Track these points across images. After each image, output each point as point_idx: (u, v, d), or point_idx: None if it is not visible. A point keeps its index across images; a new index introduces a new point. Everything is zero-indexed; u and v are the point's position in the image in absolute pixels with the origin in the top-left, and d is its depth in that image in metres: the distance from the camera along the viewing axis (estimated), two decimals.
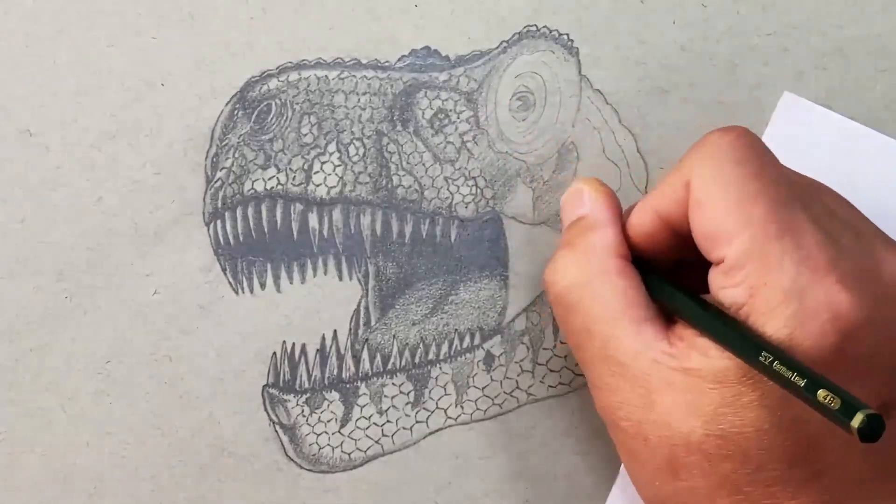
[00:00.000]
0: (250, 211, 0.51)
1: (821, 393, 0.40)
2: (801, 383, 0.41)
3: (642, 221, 0.48)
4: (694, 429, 0.44)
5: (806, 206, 0.45)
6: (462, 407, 0.53)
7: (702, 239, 0.45)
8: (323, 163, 0.51)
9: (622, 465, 0.54)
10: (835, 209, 0.47)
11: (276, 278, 0.52)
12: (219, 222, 0.51)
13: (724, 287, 0.44)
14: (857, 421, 0.39)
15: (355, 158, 0.51)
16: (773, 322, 0.43)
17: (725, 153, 0.45)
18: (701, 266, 0.46)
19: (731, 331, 0.43)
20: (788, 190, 0.45)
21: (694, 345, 0.44)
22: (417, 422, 0.53)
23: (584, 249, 0.48)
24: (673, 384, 0.44)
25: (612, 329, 0.46)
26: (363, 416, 0.53)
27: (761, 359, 0.42)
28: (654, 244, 0.48)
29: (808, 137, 0.53)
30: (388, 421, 0.53)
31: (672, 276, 0.48)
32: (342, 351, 0.52)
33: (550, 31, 0.53)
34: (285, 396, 0.52)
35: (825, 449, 0.44)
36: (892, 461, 0.46)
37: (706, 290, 0.46)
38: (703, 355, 0.44)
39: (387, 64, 0.52)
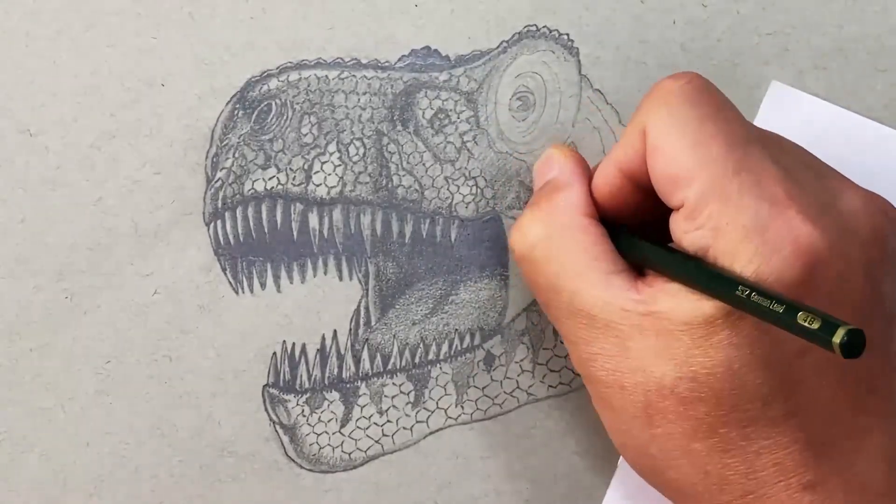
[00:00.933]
0: (250, 211, 0.51)
1: (800, 315, 0.40)
2: (780, 310, 0.41)
3: (606, 179, 0.48)
4: (666, 373, 0.44)
5: (764, 145, 0.45)
6: (462, 407, 0.53)
7: (661, 185, 0.45)
8: (323, 163, 0.51)
9: (619, 463, 0.54)
10: (791, 150, 0.47)
11: (276, 278, 0.52)
12: (219, 222, 0.51)
13: (688, 231, 0.44)
14: (838, 336, 0.39)
15: (355, 158, 0.51)
16: (738, 260, 0.43)
17: (678, 97, 0.45)
18: (666, 222, 0.46)
19: (703, 270, 0.43)
20: (744, 129, 0.45)
21: (662, 289, 0.44)
22: (417, 422, 0.53)
23: (548, 208, 0.48)
24: (644, 330, 0.44)
25: (578, 282, 0.46)
26: (363, 416, 0.53)
27: (738, 293, 0.42)
28: (620, 201, 0.48)
29: (796, 126, 0.53)
30: (388, 421, 0.53)
31: (640, 234, 0.48)
32: (342, 351, 0.52)
33: (550, 31, 0.53)
34: (285, 396, 0.52)
35: (798, 386, 0.44)
36: (864, 396, 0.46)
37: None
38: (672, 298, 0.44)
39: (387, 64, 0.52)
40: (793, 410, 0.44)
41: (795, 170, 0.45)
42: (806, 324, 0.40)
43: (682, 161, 0.44)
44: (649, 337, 0.44)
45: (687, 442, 0.45)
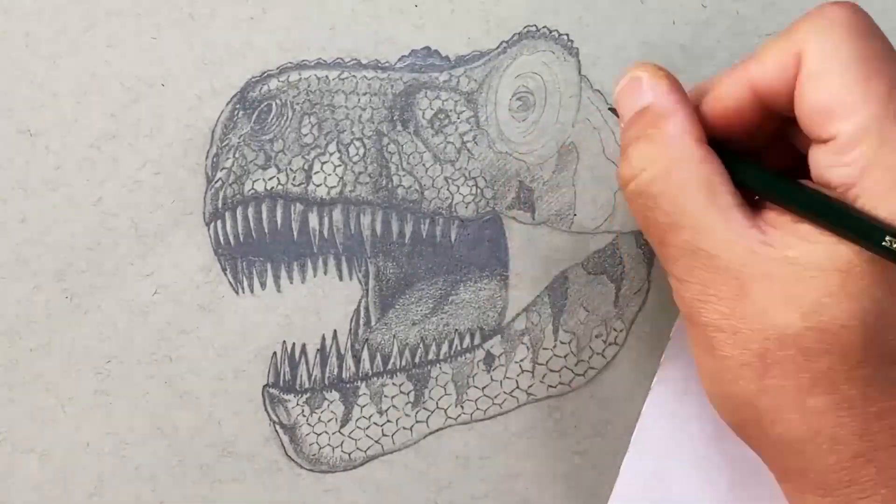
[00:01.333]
0: (250, 211, 0.51)
1: None
2: None
3: (732, 95, 0.45)
4: (792, 321, 0.42)
5: None
6: (462, 407, 0.53)
7: (811, 114, 0.43)
8: (323, 163, 0.51)
9: (623, 464, 0.54)
10: None
11: (276, 278, 0.52)
12: (219, 222, 0.51)
13: (833, 166, 0.42)
14: None
15: (355, 158, 0.51)
16: (885, 205, 0.41)
17: (846, 27, 0.43)
18: (773, 152, 0.44)
19: (845, 213, 0.41)
20: None
21: (793, 231, 0.42)
22: (417, 422, 0.53)
23: (660, 139, 0.45)
24: (770, 274, 0.42)
25: (700, 220, 0.43)
26: (363, 416, 0.53)
27: (885, 242, 0.40)
28: (738, 122, 0.45)
29: None
30: (388, 421, 0.53)
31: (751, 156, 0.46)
32: (342, 351, 0.52)
33: (550, 31, 0.53)
34: (285, 396, 0.52)
35: None
36: None
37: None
38: (805, 241, 0.42)
39: (387, 64, 0.52)
40: None
41: None
42: None
43: (842, 94, 0.42)
44: (775, 282, 0.42)
45: (803, 396, 0.43)
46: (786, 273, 0.42)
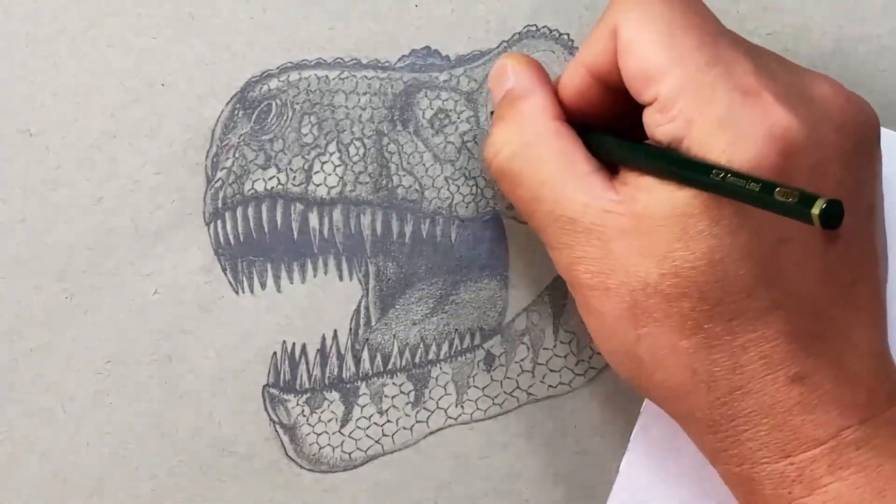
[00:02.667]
0: (250, 211, 0.51)
1: (777, 192, 0.40)
2: (757, 188, 0.41)
3: (573, 81, 0.48)
4: (650, 270, 0.44)
5: (734, 39, 0.46)
6: (462, 407, 0.53)
7: (634, 82, 0.45)
8: (323, 163, 0.51)
9: (623, 460, 0.54)
10: (760, 48, 0.47)
11: (276, 278, 0.52)
12: (219, 222, 0.51)
13: (661, 124, 0.44)
14: (817, 207, 0.39)
15: (355, 158, 0.51)
16: (712, 150, 0.43)
17: None
18: (630, 123, 0.46)
19: (676, 158, 0.43)
20: (716, 24, 0.46)
21: (639, 186, 0.45)
22: (417, 422, 0.53)
23: (515, 118, 0.48)
24: (625, 229, 0.44)
25: (558, 189, 0.46)
26: (363, 416, 0.53)
27: (712, 176, 0.42)
28: (587, 103, 0.48)
29: None
30: (388, 421, 0.53)
31: (612, 130, 0.48)
32: (342, 351, 0.52)
33: (550, 31, 0.53)
34: (285, 396, 0.52)
35: (781, 276, 0.44)
36: (848, 289, 0.46)
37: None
38: (648, 193, 0.44)
39: (387, 64, 0.52)
40: (777, 302, 0.44)
41: (767, 62, 0.45)
42: (784, 199, 0.40)
43: (654, 57, 0.44)
44: (630, 236, 0.44)
45: (673, 340, 0.45)
46: (637, 226, 0.44)
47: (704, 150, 0.43)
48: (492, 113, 0.51)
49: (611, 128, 0.48)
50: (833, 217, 0.39)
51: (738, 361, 0.44)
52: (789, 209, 0.40)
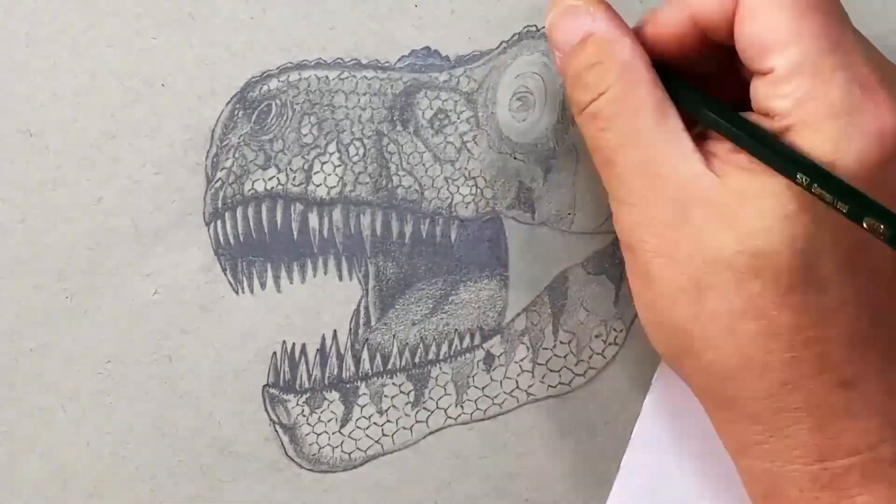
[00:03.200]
0: (250, 211, 0.51)
1: (867, 221, 0.40)
2: (844, 210, 0.41)
3: (675, 22, 0.46)
4: (726, 244, 0.43)
5: (856, 32, 0.45)
6: (462, 407, 0.53)
7: (748, 48, 0.44)
8: (323, 163, 0.51)
9: (623, 460, 0.54)
10: (874, 48, 0.47)
11: (276, 278, 0.52)
12: (219, 222, 0.51)
13: (770, 97, 0.44)
14: None
15: (355, 158, 0.51)
16: (818, 135, 0.43)
17: None
18: (716, 79, 0.45)
19: (770, 146, 0.43)
20: (842, 12, 0.45)
21: (732, 159, 0.44)
22: (417, 422, 0.53)
23: (614, 64, 0.46)
24: (709, 199, 0.44)
25: (651, 140, 0.45)
26: (363, 416, 0.53)
27: (798, 179, 0.42)
28: (679, 48, 0.47)
29: None
30: (388, 421, 0.53)
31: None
32: (342, 351, 0.52)
33: None
34: (285, 396, 0.52)
35: (856, 277, 0.44)
36: None
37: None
38: (742, 169, 0.43)
39: (387, 64, 0.52)
40: (846, 302, 0.43)
41: (882, 61, 0.45)
42: (867, 228, 0.40)
43: (778, 29, 0.43)
44: (713, 207, 0.43)
45: (734, 321, 0.44)
46: (724, 199, 0.43)
47: (810, 133, 0.43)
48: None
49: (697, 80, 0.47)
50: None
51: (797, 356, 0.44)
52: (875, 233, 0.40)
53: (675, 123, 0.45)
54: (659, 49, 0.47)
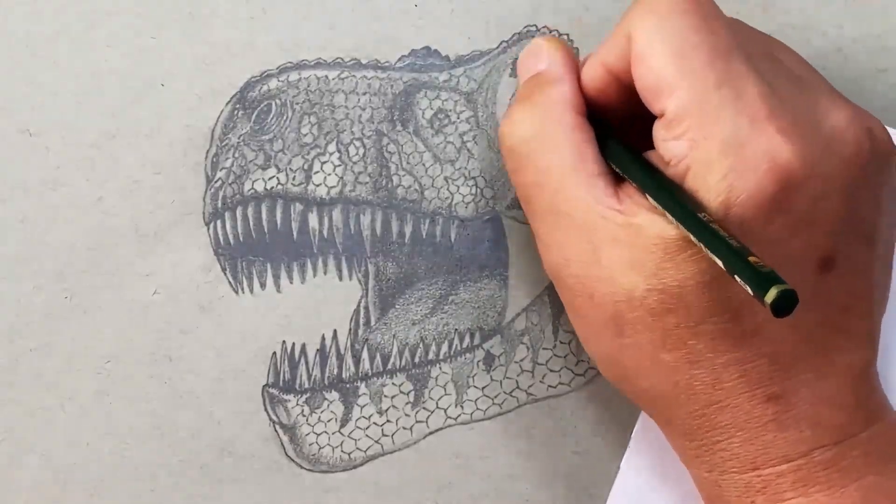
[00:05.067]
0: (250, 211, 0.51)
1: (737, 275, 0.40)
2: (720, 261, 0.41)
3: (592, 76, 0.47)
4: (637, 284, 0.44)
5: (749, 56, 0.45)
6: (462, 407, 0.53)
7: (644, 92, 0.45)
8: (323, 163, 0.51)
9: (623, 460, 0.54)
10: (782, 60, 0.46)
11: (276, 278, 0.52)
12: (219, 222, 0.51)
13: (666, 140, 0.44)
14: (770, 296, 0.39)
15: (355, 158, 0.51)
16: (712, 174, 0.43)
17: (666, 6, 0.45)
18: (648, 125, 0.46)
19: (668, 195, 0.43)
20: (730, 40, 0.45)
21: (640, 203, 0.44)
22: (417, 422, 0.53)
23: (540, 102, 0.47)
24: (618, 240, 0.44)
25: (563, 181, 0.46)
26: (363, 416, 0.53)
27: (695, 226, 0.42)
28: (605, 98, 0.47)
29: None
30: (388, 421, 0.53)
31: (626, 129, 0.47)
32: (342, 351, 0.52)
33: (550, 32, 0.53)
34: (285, 396, 0.52)
35: None
36: (838, 316, 0.46)
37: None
38: (648, 212, 0.44)
39: (387, 64, 0.52)
40: (761, 325, 0.44)
41: (780, 84, 0.45)
42: (741, 280, 0.40)
43: (664, 72, 0.44)
44: (623, 247, 0.44)
45: (656, 352, 0.45)
46: (631, 239, 0.44)
47: (705, 172, 0.43)
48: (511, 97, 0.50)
49: (628, 124, 0.48)
50: (785, 306, 0.39)
51: (719, 378, 0.45)
52: (751, 288, 0.40)
53: (590, 168, 0.46)
54: (590, 99, 0.47)
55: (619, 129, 0.48)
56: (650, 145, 0.46)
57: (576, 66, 0.48)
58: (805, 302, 0.44)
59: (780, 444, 0.45)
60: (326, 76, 0.51)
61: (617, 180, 0.46)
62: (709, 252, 0.42)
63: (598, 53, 0.47)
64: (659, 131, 0.45)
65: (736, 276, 0.40)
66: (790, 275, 0.42)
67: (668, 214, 0.43)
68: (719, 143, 0.43)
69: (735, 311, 0.44)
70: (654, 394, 0.46)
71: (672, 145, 0.44)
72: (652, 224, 0.44)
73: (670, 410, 0.46)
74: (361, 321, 0.52)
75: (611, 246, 0.44)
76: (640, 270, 0.44)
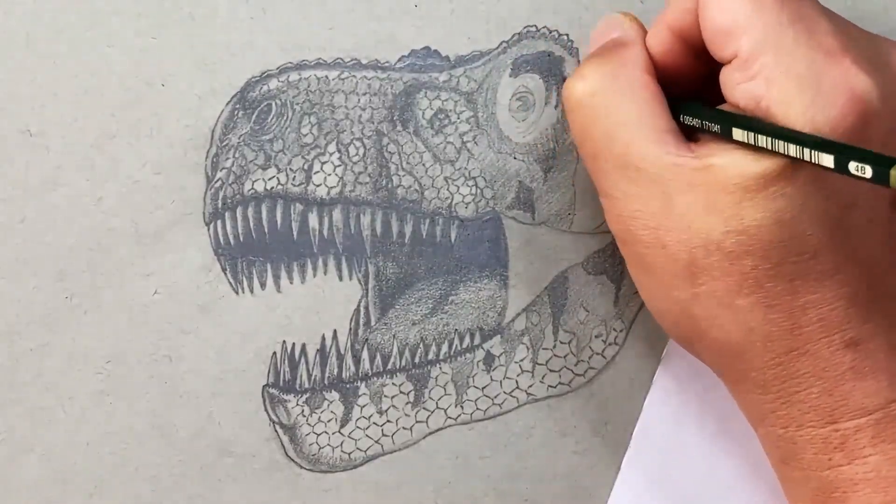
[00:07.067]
0: (250, 211, 0.51)
1: (851, 165, 0.40)
2: (831, 159, 0.41)
3: (658, 40, 0.47)
4: (714, 227, 0.44)
5: (815, 1, 0.45)
6: (462, 407, 0.53)
7: (713, 37, 0.45)
8: (323, 163, 0.51)
9: (623, 460, 0.54)
10: (836, 14, 0.47)
11: (276, 278, 0.52)
12: (219, 222, 0.51)
13: (740, 82, 0.44)
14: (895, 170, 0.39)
15: (355, 158, 0.51)
16: (792, 109, 0.43)
17: None
18: (714, 84, 0.46)
19: (757, 124, 0.43)
20: None
21: (717, 147, 0.44)
22: (417, 422, 0.53)
23: (613, 60, 0.47)
24: (693, 185, 0.44)
25: (633, 134, 0.45)
26: (363, 416, 0.53)
27: (787, 144, 0.42)
28: (671, 63, 0.47)
29: None
30: (388, 421, 0.53)
31: (690, 94, 0.48)
32: (342, 351, 0.52)
33: (550, 32, 0.53)
34: (285, 396, 0.52)
35: (846, 240, 0.44)
36: None
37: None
38: (727, 154, 0.44)
39: (387, 64, 0.52)
40: (840, 265, 0.44)
41: (846, 26, 0.45)
42: (857, 169, 0.40)
43: (735, 11, 0.44)
44: (698, 192, 0.44)
45: (732, 298, 0.45)
46: (707, 182, 0.44)
47: (784, 108, 0.43)
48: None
49: (692, 94, 0.48)
50: None
51: (797, 322, 0.44)
52: (873, 169, 0.40)
53: (660, 122, 0.46)
54: (656, 65, 0.47)
55: (684, 94, 0.48)
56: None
57: (645, 35, 0.48)
58: (878, 240, 0.44)
59: (858, 395, 0.45)
60: (326, 76, 0.51)
61: (687, 138, 0.46)
62: (815, 156, 0.41)
63: (662, 17, 0.47)
64: (732, 75, 0.44)
65: (851, 166, 0.40)
66: (863, 210, 0.42)
67: (759, 141, 0.43)
68: (797, 78, 0.43)
69: (814, 249, 0.44)
70: (727, 343, 0.45)
71: (748, 87, 0.44)
72: (731, 163, 0.44)
73: (744, 361, 0.46)
74: (361, 321, 0.52)
75: (685, 192, 0.44)
76: (718, 213, 0.44)
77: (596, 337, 0.54)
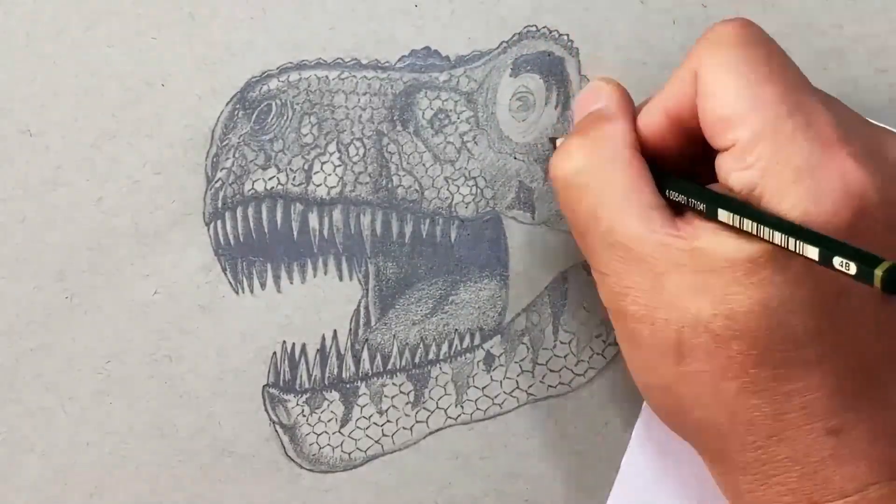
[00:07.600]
0: (250, 211, 0.51)
1: (835, 260, 0.40)
2: (815, 257, 0.41)
3: (651, 120, 0.47)
4: (702, 308, 0.44)
5: (815, 92, 0.45)
6: (462, 407, 0.53)
7: (712, 126, 0.45)
8: (323, 163, 0.51)
9: (623, 460, 0.54)
10: (836, 102, 0.47)
11: (276, 278, 0.52)
12: (219, 222, 0.51)
13: (735, 170, 0.44)
14: (881, 268, 0.39)
15: (355, 158, 0.51)
16: (786, 200, 0.43)
17: (733, 40, 0.45)
18: (702, 169, 0.46)
19: (748, 210, 0.43)
20: (798, 75, 0.45)
21: (704, 227, 0.44)
22: (417, 422, 0.53)
23: (596, 137, 0.47)
24: (681, 265, 0.44)
25: (619, 213, 0.46)
26: (363, 416, 0.53)
27: (778, 238, 0.42)
28: (662, 143, 0.47)
29: None
30: (388, 421, 0.53)
31: (681, 173, 0.48)
32: (342, 351, 0.52)
33: (550, 31, 0.53)
34: (285, 396, 0.52)
35: (834, 330, 0.44)
36: None
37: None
38: (715, 235, 0.44)
39: (387, 64, 0.52)
40: (826, 354, 0.44)
41: (845, 116, 0.45)
42: (841, 265, 0.40)
43: (735, 102, 0.44)
44: (686, 273, 0.44)
45: (717, 381, 0.44)
46: (695, 264, 0.44)
47: (778, 199, 0.43)
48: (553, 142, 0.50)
49: (681, 171, 0.48)
50: (894, 282, 0.39)
51: (780, 409, 0.44)
52: (857, 267, 0.40)
53: (646, 199, 0.46)
54: (646, 143, 0.48)
55: (674, 172, 0.48)
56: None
57: (633, 108, 0.49)
58: (867, 330, 0.44)
59: (838, 479, 0.45)
60: (326, 76, 0.51)
61: (675, 214, 0.46)
62: (800, 247, 0.41)
63: (658, 98, 0.47)
64: (727, 163, 0.44)
65: (835, 261, 0.40)
66: (853, 300, 0.42)
67: (745, 225, 0.43)
68: (794, 169, 0.43)
69: (800, 338, 0.44)
70: (709, 425, 0.46)
71: (742, 175, 0.44)
72: (719, 245, 0.44)
73: (725, 443, 0.46)
74: (361, 321, 0.52)
75: (674, 272, 0.44)
76: (707, 294, 0.44)
77: (596, 337, 0.54)
